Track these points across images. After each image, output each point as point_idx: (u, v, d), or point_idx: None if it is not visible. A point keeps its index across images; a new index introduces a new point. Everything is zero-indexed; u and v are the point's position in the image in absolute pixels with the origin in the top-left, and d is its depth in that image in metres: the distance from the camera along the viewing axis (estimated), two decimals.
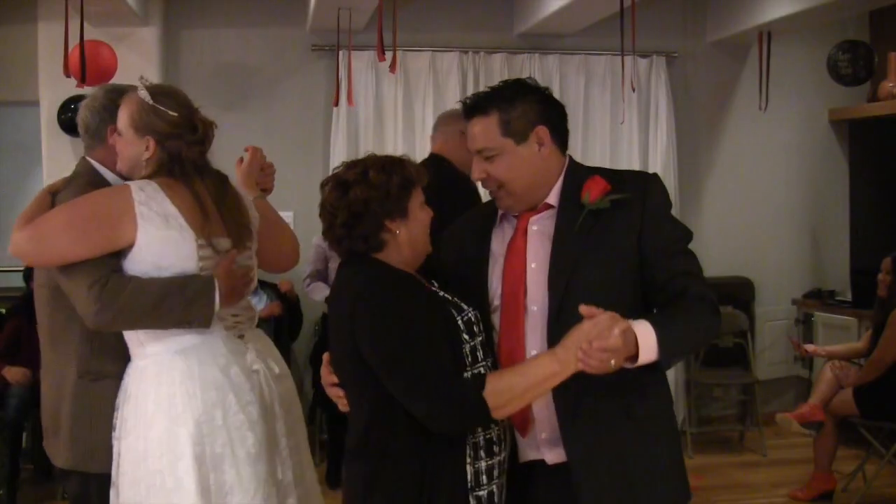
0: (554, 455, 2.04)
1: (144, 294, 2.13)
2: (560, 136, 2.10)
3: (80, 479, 2.37)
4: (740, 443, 5.87)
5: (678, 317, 1.98)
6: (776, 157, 6.20)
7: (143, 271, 2.17)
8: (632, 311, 1.93)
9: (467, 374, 1.94)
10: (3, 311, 5.05)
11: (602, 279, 2.00)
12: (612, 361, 1.82)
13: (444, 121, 4.04)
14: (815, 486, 4.62)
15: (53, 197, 2.35)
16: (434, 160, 3.87)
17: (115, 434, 2.25)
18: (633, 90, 5.22)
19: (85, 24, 4.16)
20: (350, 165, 2.06)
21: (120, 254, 2.18)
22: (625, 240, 2.02)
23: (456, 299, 2.03)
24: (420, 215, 2.07)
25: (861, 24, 6.17)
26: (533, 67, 5.78)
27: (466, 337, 1.98)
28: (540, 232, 2.07)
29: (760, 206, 6.16)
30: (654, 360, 1.90)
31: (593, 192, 2.03)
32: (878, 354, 4.45)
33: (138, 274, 2.17)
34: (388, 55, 4.56)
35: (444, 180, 3.56)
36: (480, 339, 2.01)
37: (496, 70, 5.77)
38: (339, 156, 5.56)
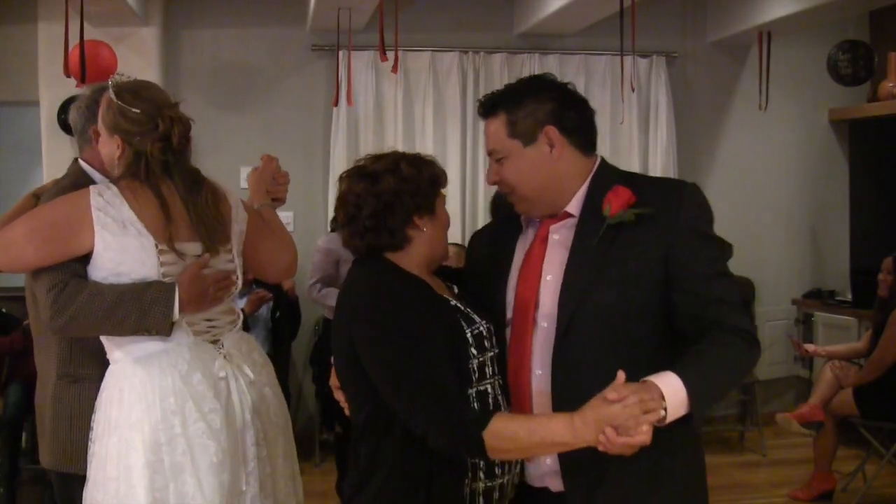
0: (557, 483, 1.90)
1: (99, 300, 2.09)
2: (579, 136, 1.93)
3: (61, 479, 2.38)
4: (740, 443, 5.87)
5: (710, 357, 1.77)
6: (776, 157, 6.20)
7: (102, 277, 2.14)
8: (651, 339, 1.82)
9: (472, 391, 1.85)
10: (3, 310, 5.05)
11: (618, 301, 1.82)
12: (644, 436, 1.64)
13: None
14: (815, 486, 4.62)
15: (37, 200, 2.36)
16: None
17: (90, 437, 2.23)
18: (633, 90, 5.23)
19: (85, 24, 4.16)
20: (376, 158, 1.98)
21: (85, 259, 2.15)
22: (649, 258, 1.82)
23: (468, 310, 1.93)
24: (443, 216, 1.99)
25: (861, 24, 6.17)
26: (533, 67, 5.78)
27: (475, 351, 1.88)
28: (560, 242, 1.91)
29: (760, 206, 6.17)
30: (686, 414, 1.70)
31: (614, 205, 1.84)
32: (879, 354, 4.45)
33: (98, 280, 2.14)
34: (389, 55, 4.56)
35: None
36: (492, 354, 1.91)
37: (496, 70, 5.77)
38: (339, 156, 5.57)
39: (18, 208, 2.33)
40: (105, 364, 2.22)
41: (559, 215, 1.92)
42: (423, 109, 5.71)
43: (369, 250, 1.94)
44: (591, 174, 1.93)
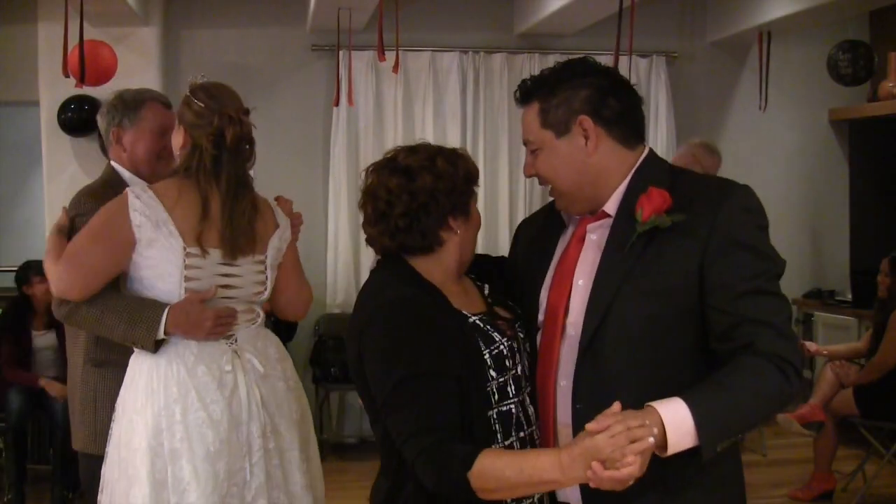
0: (577, 498, 1.76)
1: (96, 305, 2.26)
2: (621, 127, 1.75)
3: (87, 461, 2.51)
4: (740, 443, 5.85)
5: (732, 384, 1.59)
6: (776, 157, 6.20)
7: (136, 276, 2.27)
8: (688, 359, 1.66)
9: (493, 413, 1.74)
10: (3, 310, 5.06)
11: (648, 315, 1.65)
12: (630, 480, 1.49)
13: (691, 141, 4.52)
14: (815, 486, 4.62)
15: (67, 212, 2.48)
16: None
17: (112, 419, 2.36)
18: None
19: (85, 24, 4.15)
20: (410, 151, 1.81)
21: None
22: (682, 269, 1.64)
23: (488, 328, 1.78)
24: (476, 217, 1.86)
25: (861, 24, 6.17)
26: (533, 67, 5.78)
27: (493, 374, 1.74)
28: (595, 243, 1.75)
29: None
30: (695, 447, 1.55)
31: (646, 210, 1.66)
32: (880, 358, 4.45)
33: (135, 277, 2.27)
34: (389, 55, 4.56)
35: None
36: (514, 372, 1.78)
37: (496, 70, 5.77)
38: (339, 156, 5.57)
39: (55, 241, 2.40)
40: (128, 350, 2.33)
41: (597, 214, 1.77)
42: (423, 109, 5.71)
43: (399, 251, 1.81)
44: (634, 170, 1.75)
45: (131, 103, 2.59)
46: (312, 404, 5.51)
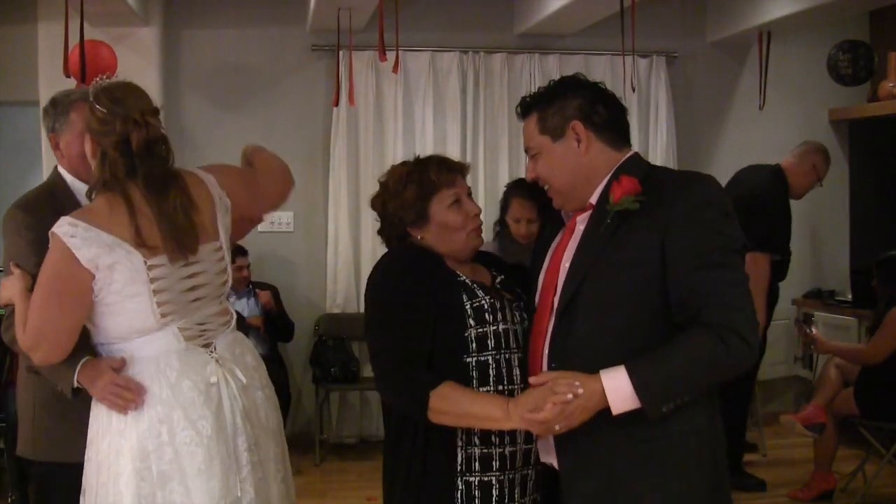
0: (554, 460, 2.01)
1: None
2: (609, 131, 2.02)
3: (25, 464, 2.58)
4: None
5: (670, 353, 1.82)
6: (776, 157, 6.16)
7: (106, 302, 2.13)
8: (653, 329, 1.87)
9: (471, 360, 2.05)
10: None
11: (613, 286, 1.89)
12: (557, 427, 1.83)
13: (808, 146, 4.96)
14: (815, 486, 4.62)
15: (21, 212, 2.41)
16: (774, 169, 4.80)
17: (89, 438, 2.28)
18: (633, 90, 5.22)
19: (85, 24, 4.16)
20: (388, 172, 2.27)
21: None
22: (646, 244, 1.87)
23: (474, 286, 2.12)
24: (447, 218, 2.16)
25: (861, 24, 6.17)
26: (533, 67, 5.78)
27: (472, 322, 2.06)
28: (582, 231, 2.02)
29: None
30: (640, 408, 1.81)
31: (616, 193, 1.92)
32: (869, 351, 4.44)
33: (104, 304, 2.13)
34: (390, 55, 4.56)
35: (764, 187, 4.62)
36: (494, 328, 2.07)
37: (496, 70, 5.77)
38: (339, 156, 5.58)
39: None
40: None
41: (585, 207, 2.02)
42: (423, 109, 5.71)
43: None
44: (617, 167, 2.00)
45: (60, 107, 2.49)
46: (312, 404, 5.55)
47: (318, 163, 5.69)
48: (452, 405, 1.95)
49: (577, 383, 1.80)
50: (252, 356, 2.36)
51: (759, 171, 4.86)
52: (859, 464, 4.73)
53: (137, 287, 2.11)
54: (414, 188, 2.15)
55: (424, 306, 2.04)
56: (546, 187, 2.07)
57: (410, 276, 2.08)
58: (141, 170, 2.15)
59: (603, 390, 1.81)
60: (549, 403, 1.79)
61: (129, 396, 2.12)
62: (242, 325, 4.84)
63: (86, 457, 2.22)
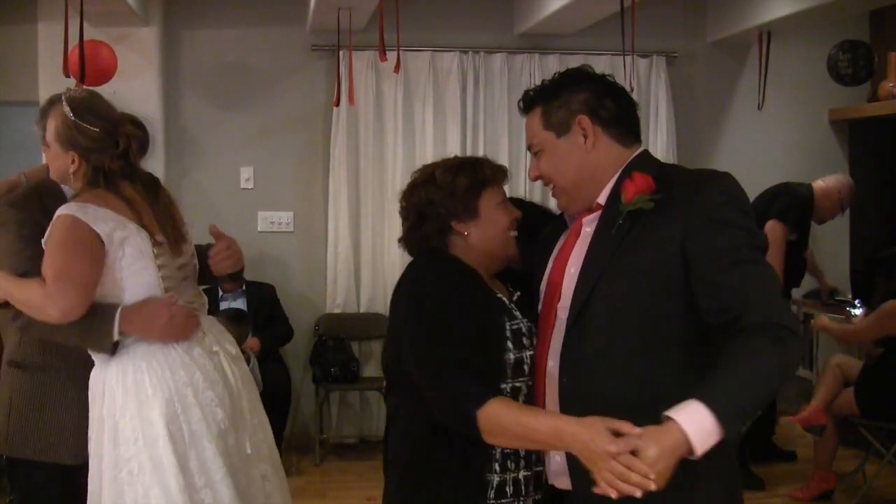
0: (564, 483, 1.87)
1: None
2: (617, 126, 1.89)
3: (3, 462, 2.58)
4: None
5: (737, 369, 1.63)
6: (776, 157, 6.19)
7: (114, 277, 2.21)
8: (674, 336, 1.74)
9: (506, 387, 1.89)
10: None
11: (629, 290, 1.75)
12: (653, 486, 1.55)
13: (841, 176, 5.13)
14: (814, 485, 4.62)
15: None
16: (808, 186, 4.98)
17: (89, 436, 2.32)
18: (633, 90, 5.22)
19: (85, 24, 4.16)
20: (424, 167, 2.09)
21: None
22: (665, 247, 1.74)
23: (512, 307, 1.97)
24: (495, 216, 2.01)
25: (861, 24, 6.16)
26: (533, 67, 5.78)
27: (511, 345, 1.91)
28: (590, 234, 1.89)
29: None
30: (721, 439, 1.60)
31: (629, 192, 1.79)
32: (860, 328, 4.49)
33: (114, 279, 2.21)
34: (390, 55, 4.56)
35: (785, 202, 4.76)
36: (531, 352, 1.93)
37: (496, 70, 5.77)
38: (339, 156, 5.57)
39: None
40: (51, 353, 2.36)
41: (593, 207, 1.90)
42: (423, 109, 5.70)
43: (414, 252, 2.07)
44: (626, 164, 1.88)
45: (42, 112, 2.51)
46: (312, 404, 5.54)
47: (318, 163, 5.68)
48: (500, 430, 1.74)
49: (650, 476, 1.54)
50: (228, 335, 2.50)
51: (795, 185, 5.02)
52: (859, 464, 4.73)
53: (145, 262, 2.23)
54: (466, 179, 2.00)
55: (479, 317, 1.89)
56: (550, 186, 1.95)
57: (466, 285, 1.92)
58: (135, 172, 2.30)
59: (687, 438, 1.57)
60: (612, 490, 1.56)
61: (195, 321, 2.29)
62: (246, 318, 4.84)
63: (91, 453, 2.28)
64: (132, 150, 2.27)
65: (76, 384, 2.37)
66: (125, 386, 2.23)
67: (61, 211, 2.18)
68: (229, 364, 2.37)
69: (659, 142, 5.89)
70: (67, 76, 4.28)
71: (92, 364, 2.33)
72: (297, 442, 5.45)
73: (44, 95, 5.20)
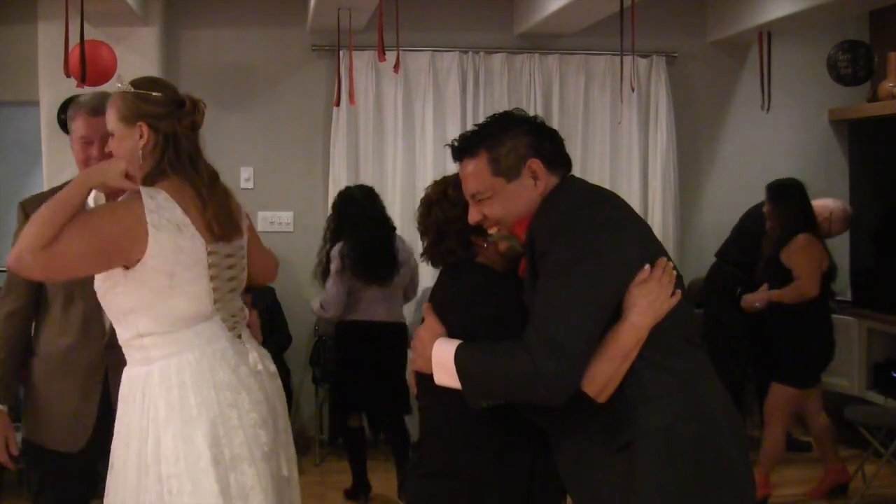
0: None
1: None
2: (555, 162, 1.99)
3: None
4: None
5: (494, 349, 1.82)
6: (776, 157, 6.19)
7: (153, 284, 2.10)
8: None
9: None
10: None
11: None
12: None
13: (840, 202, 5.22)
14: (829, 479, 4.65)
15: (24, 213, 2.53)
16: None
17: (115, 441, 2.25)
18: (633, 90, 5.23)
19: (85, 24, 4.16)
20: (435, 184, 2.17)
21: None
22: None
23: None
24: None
25: (861, 24, 6.17)
26: (533, 67, 5.78)
27: None
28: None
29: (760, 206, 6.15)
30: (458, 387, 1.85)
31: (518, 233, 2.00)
32: (803, 285, 4.33)
33: (145, 287, 2.10)
34: (390, 55, 4.56)
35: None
36: None
37: (496, 70, 5.77)
38: (339, 156, 5.57)
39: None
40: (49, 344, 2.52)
41: None
42: (423, 109, 5.71)
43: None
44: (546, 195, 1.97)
45: (69, 113, 2.62)
46: (312, 404, 5.54)
47: (318, 163, 5.69)
48: (603, 378, 1.79)
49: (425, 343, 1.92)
50: (264, 349, 2.45)
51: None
52: (859, 464, 4.74)
53: (199, 270, 2.15)
54: None
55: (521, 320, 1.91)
56: (494, 230, 2.01)
57: (499, 290, 2.06)
58: (200, 160, 2.24)
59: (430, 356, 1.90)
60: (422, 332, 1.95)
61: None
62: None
63: (115, 458, 2.24)
64: (199, 111, 2.22)
65: (71, 373, 2.52)
66: (168, 401, 2.13)
67: (141, 194, 2.10)
68: (270, 383, 2.34)
69: (659, 142, 5.89)
70: (68, 76, 4.28)
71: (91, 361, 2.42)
72: (296, 442, 5.40)
73: (44, 95, 5.22)
